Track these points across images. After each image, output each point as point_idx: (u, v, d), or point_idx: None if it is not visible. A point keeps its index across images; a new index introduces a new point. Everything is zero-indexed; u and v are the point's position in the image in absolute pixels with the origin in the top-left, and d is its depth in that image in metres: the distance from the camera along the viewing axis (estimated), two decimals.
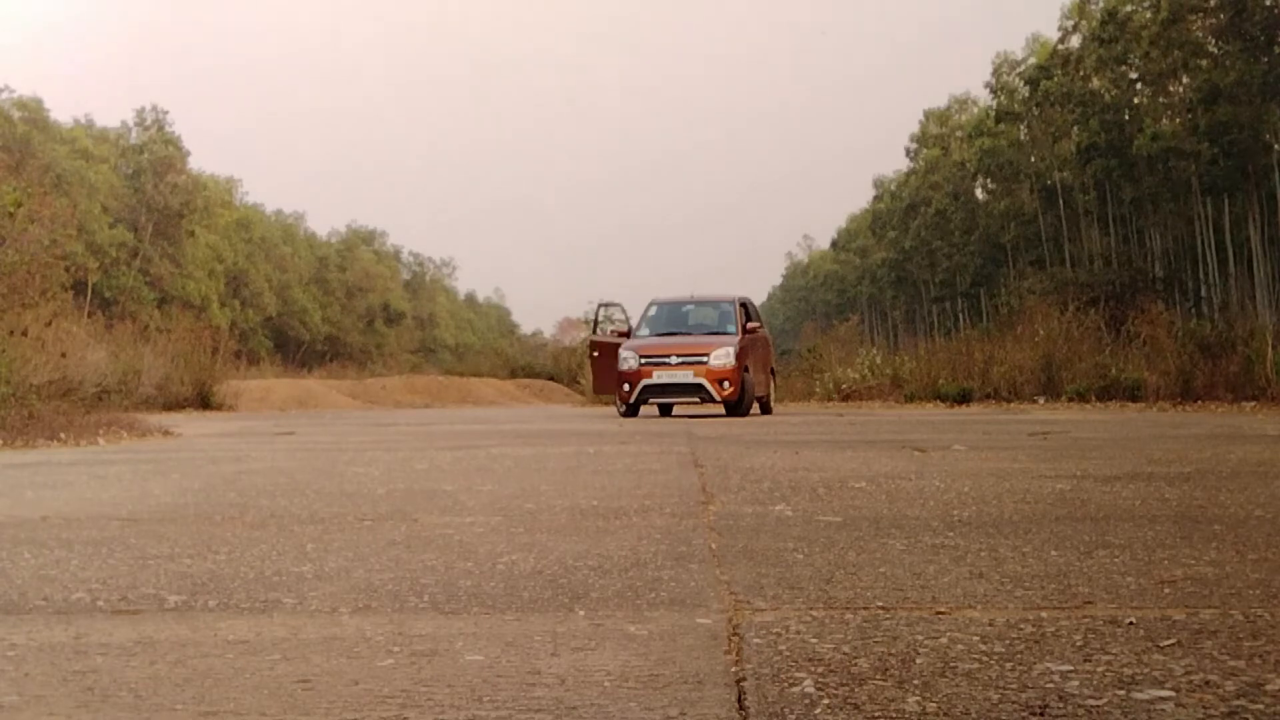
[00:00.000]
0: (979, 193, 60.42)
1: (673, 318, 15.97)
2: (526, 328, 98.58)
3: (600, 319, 18.48)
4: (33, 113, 54.44)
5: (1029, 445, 6.90)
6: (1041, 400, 18.61)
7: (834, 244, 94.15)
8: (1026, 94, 51.63)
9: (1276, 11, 37.32)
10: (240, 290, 67.00)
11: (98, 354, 18.99)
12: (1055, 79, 47.84)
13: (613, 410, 16.73)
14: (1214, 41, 40.52)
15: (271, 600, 2.26)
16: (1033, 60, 52.86)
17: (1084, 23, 47.79)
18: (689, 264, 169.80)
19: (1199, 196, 41.98)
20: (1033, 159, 52.28)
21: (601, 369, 16.38)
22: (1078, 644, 1.79)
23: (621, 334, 16.78)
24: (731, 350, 14.31)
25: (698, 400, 14.56)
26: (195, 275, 61.27)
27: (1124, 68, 44.94)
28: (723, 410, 14.90)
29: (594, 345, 16.86)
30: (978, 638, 1.84)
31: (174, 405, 20.47)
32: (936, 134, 66.90)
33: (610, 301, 18.00)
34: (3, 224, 12.96)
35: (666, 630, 1.94)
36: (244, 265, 67.44)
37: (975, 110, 63.86)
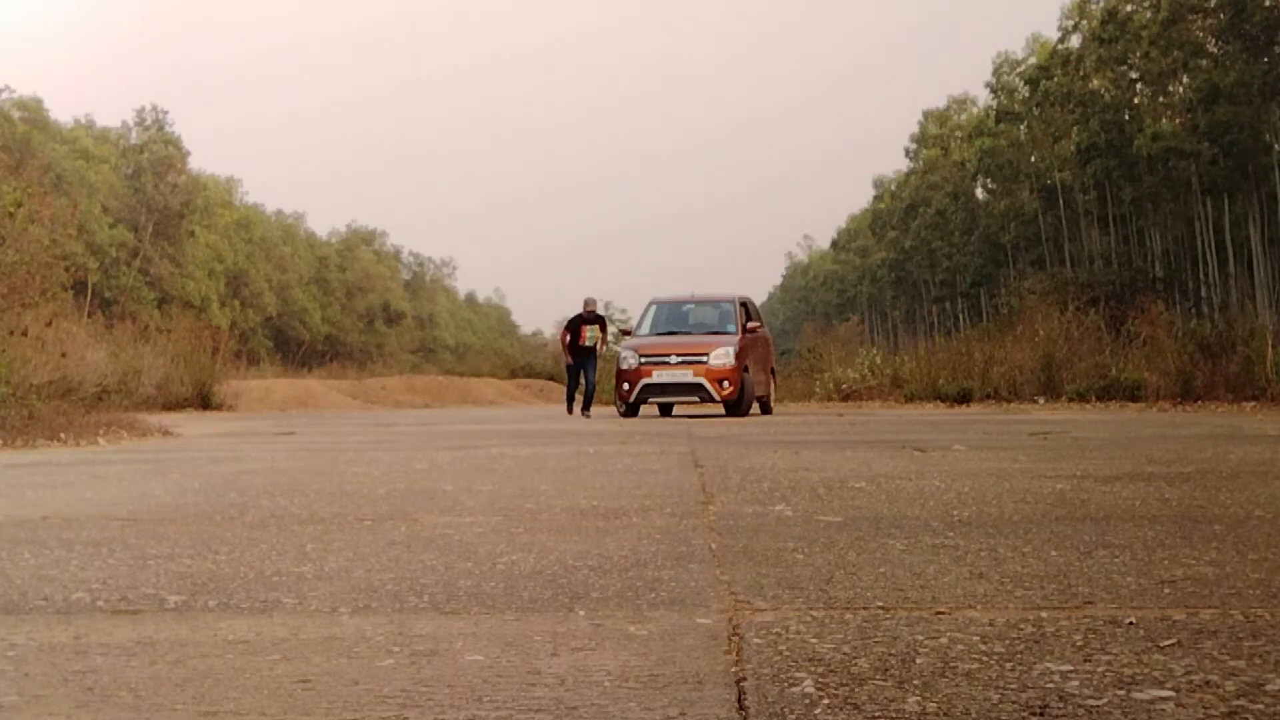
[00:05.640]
0: (979, 193, 60.45)
1: (673, 317, 15.96)
2: (526, 328, 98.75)
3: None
4: (33, 113, 54.49)
5: (1029, 445, 6.89)
6: (1041, 400, 18.61)
7: (834, 244, 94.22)
8: (1026, 94, 51.66)
9: (1276, 11, 37.32)
10: (240, 290, 67.01)
11: (98, 354, 18.98)
12: (1055, 79, 47.86)
13: (612, 410, 16.73)
14: (1214, 41, 40.53)
15: (271, 600, 2.26)
16: (1033, 60, 52.89)
17: (1084, 23, 47.81)
18: (689, 264, 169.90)
19: (1199, 196, 41.99)
20: (1033, 159, 52.30)
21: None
22: (1078, 644, 1.79)
23: (624, 332, 16.81)
24: (731, 350, 14.30)
25: (697, 400, 14.56)
26: (195, 275, 61.30)
27: (1124, 68, 44.95)
28: (723, 410, 14.90)
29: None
30: (978, 638, 1.84)
31: (174, 405, 20.46)
32: (936, 134, 66.94)
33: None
34: (3, 224, 12.96)
35: (666, 630, 1.94)
36: (244, 265, 67.47)
37: (974, 110, 63.92)
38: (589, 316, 16.28)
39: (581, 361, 16.31)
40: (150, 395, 20.18)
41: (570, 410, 16.44)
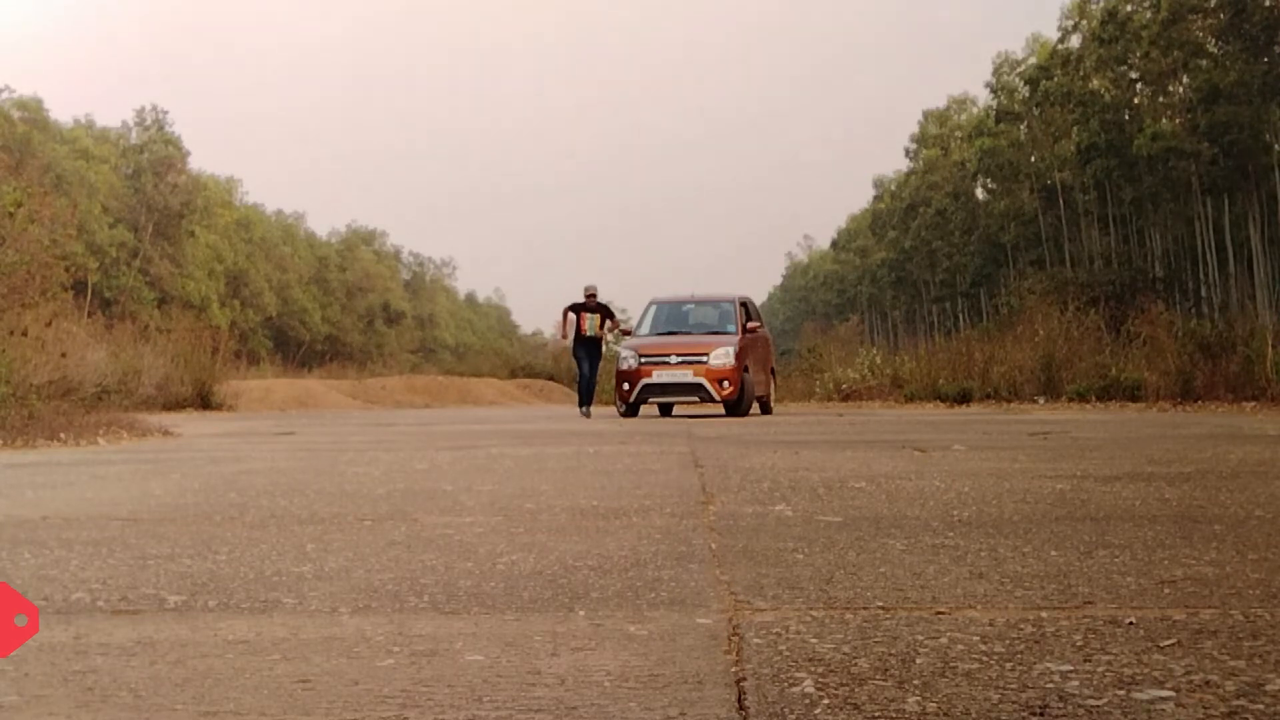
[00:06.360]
0: (979, 193, 60.46)
1: (673, 317, 15.95)
2: (526, 328, 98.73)
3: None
4: (33, 113, 54.48)
5: (1029, 445, 6.89)
6: (1041, 400, 18.61)
7: (834, 244, 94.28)
8: (1026, 94, 51.67)
9: (1276, 11, 37.33)
10: (240, 290, 67.01)
11: (98, 354, 18.97)
12: (1055, 79, 47.88)
13: (612, 410, 16.71)
14: (1214, 41, 40.54)
15: (271, 600, 2.26)
16: (1033, 60, 52.90)
17: (1084, 23, 47.82)
18: (689, 263, 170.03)
19: (1199, 196, 42.01)
20: (1033, 159, 52.31)
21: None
22: (1078, 644, 1.79)
23: (624, 332, 16.77)
24: (731, 350, 14.30)
25: (697, 400, 14.55)
26: (195, 275, 61.30)
27: (1124, 68, 44.96)
28: (723, 410, 14.90)
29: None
30: (978, 638, 1.84)
31: (174, 405, 20.46)
32: (936, 134, 66.96)
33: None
34: (3, 224, 12.95)
35: (666, 630, 1.94)
36: (244, 265, 67.47)
37: (974, 110, 63.94)
38: (591, 305, 15.75)
39: (586, 353, 15.81)
40: (150, 395, 20.17)
41: (581, 410, 15.89)
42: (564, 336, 16.41)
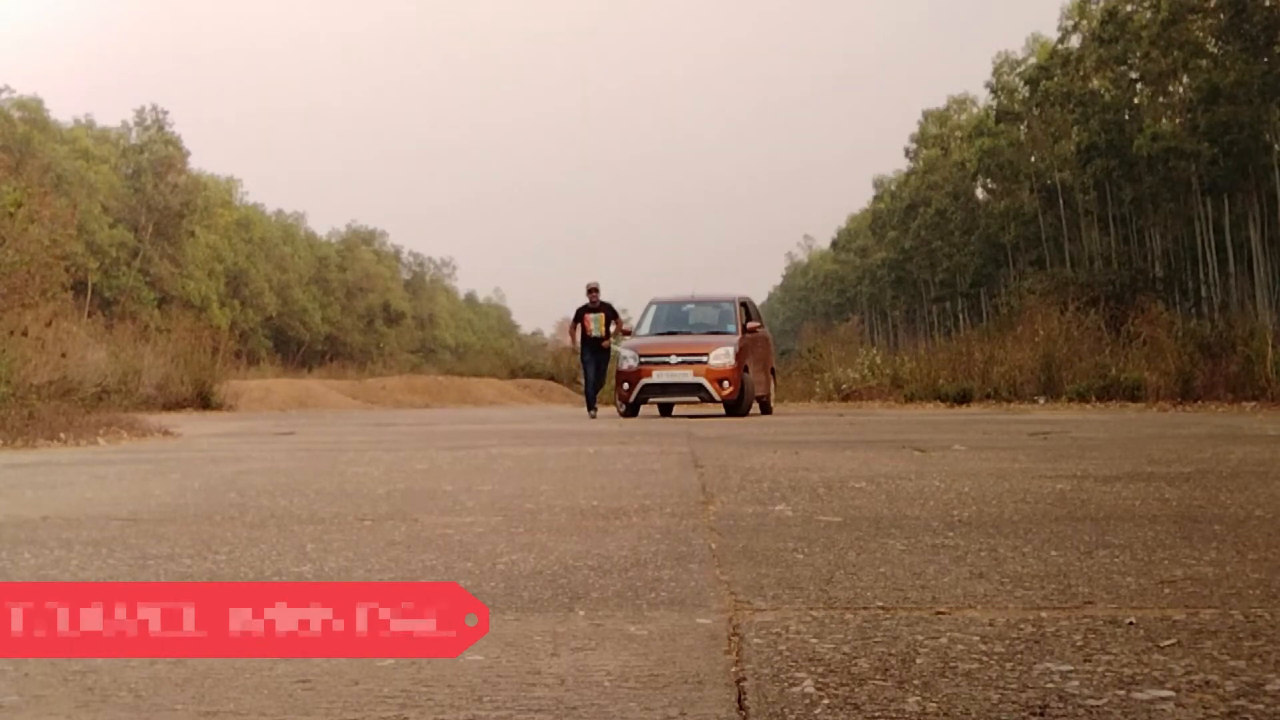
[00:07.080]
0: (979, 193, 60.47)
1: (673, 317, 15.95)
2: (526, 328, 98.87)
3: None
4: (33, 113, 54.51)
5: (1029, 445, 6.89)
6: (1041, 400, 18.60)
7: (834, 244, 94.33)
8: (1026, 94, 51.69)
9: (1276, 11, 37.33)
10: (240, 290, 67.03)
11: (98, 354, 18.98)
12: (1055, 79, 47.89)
13: (612, 410, 16.70)
14: (1214, 41, 40.55)
15: None
16: (1033, 60, 52.91)
17: (1084, 23, 47.82)
18: (689, 263, 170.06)
19: (1199, 196, 42.02)
20: (1033, 159, 52.32)
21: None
22: (1078, 644, 1.79)
23: (625, 332, 16.76)
24: (731, 350, 14.31)
25: (697, 400, 14.55)
26: (195, 275, 61.32)
27: (1124, 68, 44.97)
28: (723, 410, 14.90)
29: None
30: (978, 638, 1.84)
31: (174, 405, 20.45)
32: (936, 134, 66.97)
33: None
34: (3, 224, 12.95)
35: (666, 630, 1.93)
36: (244, 265, 67.50)
37: (974, 110, 63.96)
38: (594, 304, 15.58)
39: (592, 355, 15.61)
40: (150, 395, 20.17)
41: (590, 413, 15.59)
42: (575, 351, 16.29)
